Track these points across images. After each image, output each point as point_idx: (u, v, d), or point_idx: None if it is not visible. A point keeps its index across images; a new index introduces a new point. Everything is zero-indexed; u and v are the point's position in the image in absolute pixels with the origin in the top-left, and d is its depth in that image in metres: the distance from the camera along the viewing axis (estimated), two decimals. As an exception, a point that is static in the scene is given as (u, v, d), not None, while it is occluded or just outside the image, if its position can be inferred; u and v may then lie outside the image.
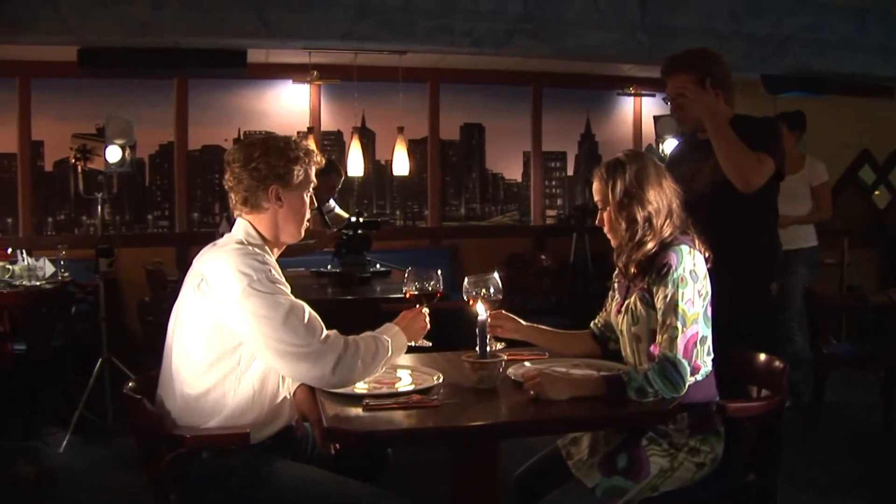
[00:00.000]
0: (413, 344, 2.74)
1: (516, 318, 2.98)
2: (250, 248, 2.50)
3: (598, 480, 2.50)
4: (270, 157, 2.57)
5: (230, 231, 2.67)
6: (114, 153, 5.45)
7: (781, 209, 5.63)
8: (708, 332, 2.59)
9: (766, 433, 2.70)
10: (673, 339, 2.47)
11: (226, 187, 2.65)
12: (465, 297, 2.81)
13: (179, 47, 5.79)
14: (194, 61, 6.04)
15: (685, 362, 2.45)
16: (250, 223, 2.61)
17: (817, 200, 5.78)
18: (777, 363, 2.76)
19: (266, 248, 2.59)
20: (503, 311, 2.95)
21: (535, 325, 3.02)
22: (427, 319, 2.73)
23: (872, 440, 4.99)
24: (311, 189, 2.68)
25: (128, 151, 5.54)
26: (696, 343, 2.50)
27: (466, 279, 2.83)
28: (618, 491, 2.49)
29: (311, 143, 2.81)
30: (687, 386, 2.45)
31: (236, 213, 2.65)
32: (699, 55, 3.52)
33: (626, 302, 2.72)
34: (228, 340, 2.43)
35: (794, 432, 4.88)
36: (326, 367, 2.35)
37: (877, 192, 9.10)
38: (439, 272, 2.82)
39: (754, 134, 3.34)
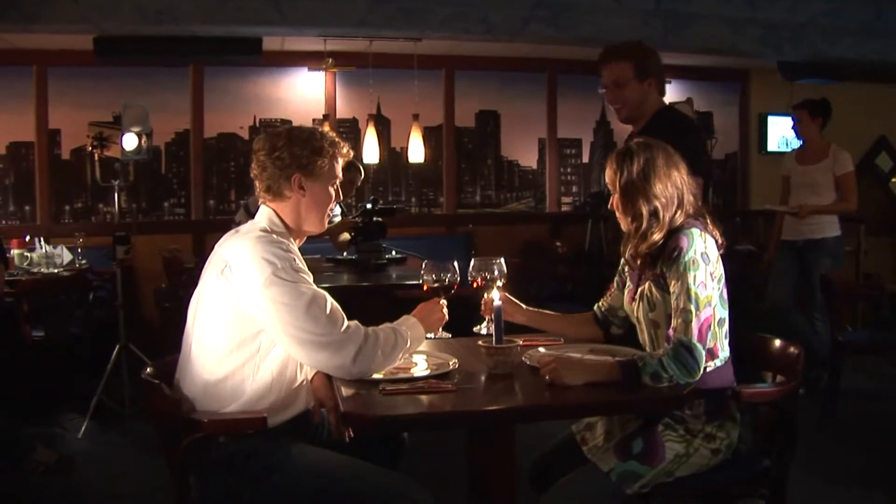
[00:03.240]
0: (432, 336, 2.77)
1: (519, 302, 2.99)
2: (274, 236, 2.52)
3: (614, 465, 2.51)
4: (294, 146, 2.59)
5: (246, 220, 2.70)
6: (130, 141, 5.48)
7: (804, 198, 5.69)
8: (725, 315, 2.59)
9: (781, 419, 2.71)
10: (687, 323, 2.47)
11: (252, 175, 2.67)
12: (469, 280, 2.84)
13: (195, 35, 5.81)
14: (209, 49, 6.05)
15: (700, 346, 2.45)
16: (274, 211, 2.63)
17: (842, 191, 5.71)
18: (792, 349, 2.76)
19: (290, 236, 2.61)
20: (506, 295, 2.93)
21: (538, 309, 3.04)
22: (445, 311, 2.76)
23: (887, 427, 4.98)
24: (336, 183, 2.70)
25: (144, 139, 5.57)
26: (710, 326, 2.50)
27: (472, 261, 2.86)
28: (633, 476, 2.50)
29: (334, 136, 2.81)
30: (702, 371, 2.44)
31: (261, 201, 2.68)
32: (635, 45, 3.65)
33: (640, 289, 2.71)
34: (249, 327, 2.45)
35: (809, 419, 4.88)
36: (347, 357, 2.37)
37: (894, 180, 9.04)
38: (456, 264, 2.85)
39: (670, 133, 3.36)
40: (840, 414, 5.04)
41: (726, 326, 2.60)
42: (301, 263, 2.49)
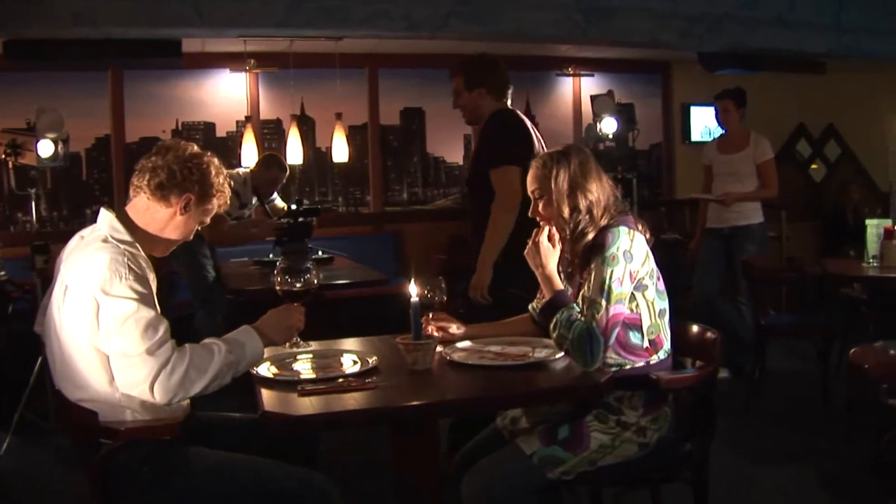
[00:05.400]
0: (287, 348, 2.70)
1: (456, 320, 2.95)
2: (115, 244, 2.39)
3: (537, 448, 2.54)
4: (206, 173, 2.54)
5: None
6: (46, 147, 5.36)
7: (727, 187, 5.81)
8: (665, 306, 2.66)
9: (699, 403, 2.74)
10: (594, 314, 2.50)
11: (144, 166, 2.54)
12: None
13: (111, 38, 5.68)
14: (127, 52, 5.91)
15: (602, 340, 2.47)
16: (116, 217, 2.49)
17: (763, 178, 5.81)
18: (709, 334, 2.81)
19: (135, 244, 2.47)
20: (446, 314, 2.92)
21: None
22: (299, 317, 2.59)
23: (811, 407, 5.08)
24: (197, 228, 2.63)
25: (60, 145, 5.45)
26: (617, 323, 2.53)
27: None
28: (554, 461, 2.53)
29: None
30: (597, 364, 2.46)
31: (132, 193, 2.55)
32: (468, 60, 4.09)
33: (581, 292, 2.68)
34: (99, 346, 2.33)
35: (737, 403, 4.96)
36: (145, 377, 2.24)
37: (813, 166, 9.28)
38: (313, 273, 2.76)
39: (497, 135, 3.91)
40: (766, 396, 5.15)
41: (667, 317, 2.64)
42: (140, 273, 2.36)
